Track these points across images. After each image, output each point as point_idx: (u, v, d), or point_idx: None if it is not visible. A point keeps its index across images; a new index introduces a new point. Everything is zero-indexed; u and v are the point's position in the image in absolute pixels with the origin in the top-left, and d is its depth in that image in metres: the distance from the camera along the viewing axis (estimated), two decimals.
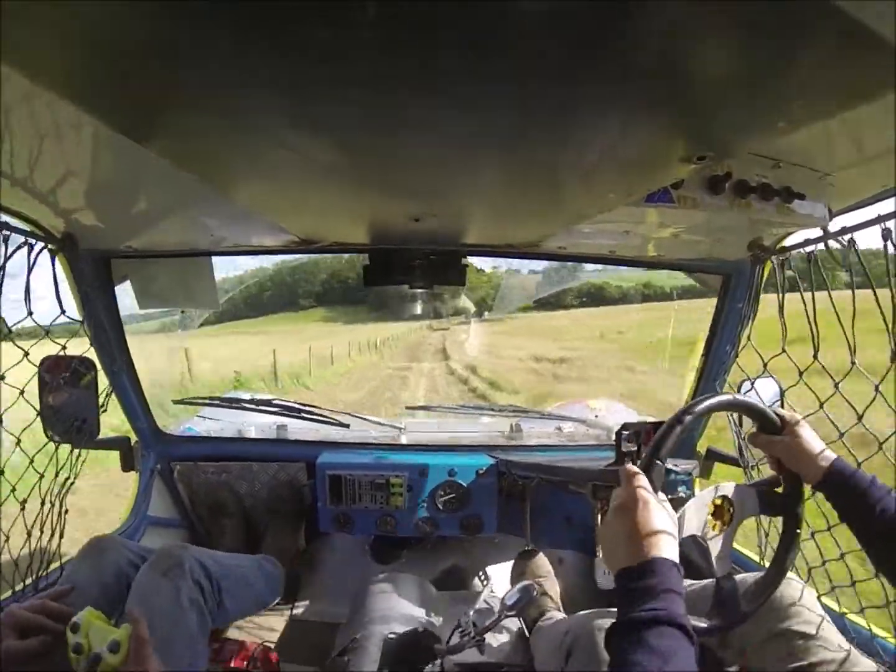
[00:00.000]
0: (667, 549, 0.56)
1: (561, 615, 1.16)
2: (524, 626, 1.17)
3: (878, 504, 0.71)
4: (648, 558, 0.55)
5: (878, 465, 0.79)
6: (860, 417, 0.81)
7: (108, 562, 0.95)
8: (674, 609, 0.51)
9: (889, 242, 0.74)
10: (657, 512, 0.59)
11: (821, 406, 0.87)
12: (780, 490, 0.81)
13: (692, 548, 0.73)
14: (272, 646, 1.15)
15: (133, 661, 0.66)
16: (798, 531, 0.79)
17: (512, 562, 1.41)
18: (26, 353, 0.93)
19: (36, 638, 0.70)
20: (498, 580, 1.49)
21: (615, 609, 0.76)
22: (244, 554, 1.26)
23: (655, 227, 0.93)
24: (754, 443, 0.82)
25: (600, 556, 1.26)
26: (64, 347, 1.05)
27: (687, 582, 1.00)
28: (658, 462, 0.66)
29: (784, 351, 0.96)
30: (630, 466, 0.65)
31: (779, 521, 0.87)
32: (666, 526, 0.59)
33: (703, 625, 0.72)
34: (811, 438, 0.77)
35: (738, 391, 1.12)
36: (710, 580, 0.94)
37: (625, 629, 0.52)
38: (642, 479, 0.63)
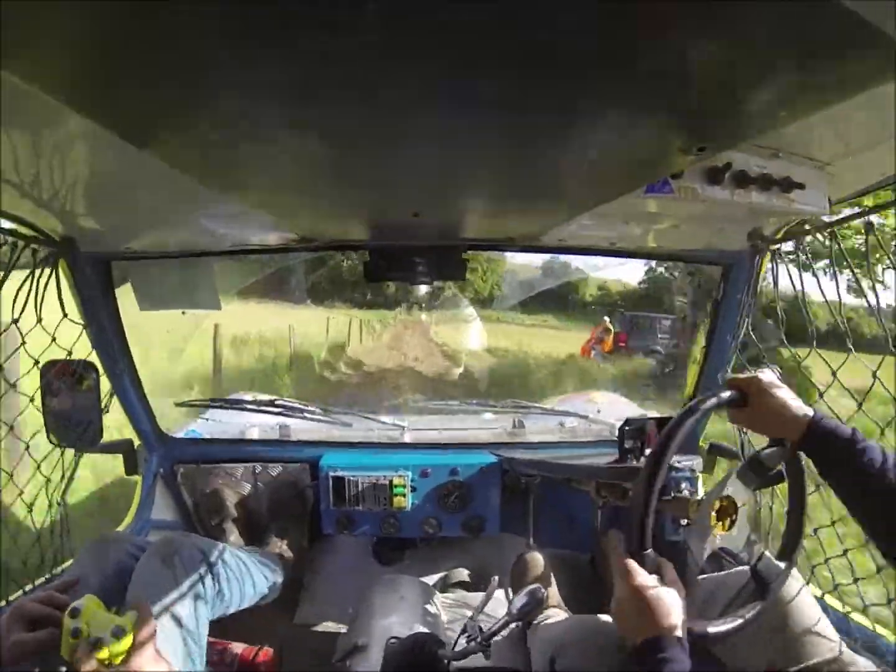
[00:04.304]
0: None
1: (560, 612, 1.15)
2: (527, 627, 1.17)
3: (863, 455, 0.64)
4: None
5: None
6: (860, 405, 0.81)
7: (111, 555, 0.94)
8: None
9: (871, 234, 0.74)
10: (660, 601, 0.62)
11: (820, 396, 0.88)
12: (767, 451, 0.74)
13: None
14: (273, 650, 1.15)
15: (138, 648, 0.65)
16: (804, 498, 0.76)
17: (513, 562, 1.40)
18: (37, 362, 0.93)
19: (45, 630, 0.69)
20: (502, 581, 1.48)
21: (598, 616, 0.80)
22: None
23: (656, 217, 0.93)
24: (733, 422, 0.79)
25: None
26: (70, 353, 1.05)
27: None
28: (648, 554, 0.66)
29: (784, 344, 0.97)
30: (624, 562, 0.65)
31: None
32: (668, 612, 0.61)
33: (738, 621, 0.70)
34: (778, 399, 0.69)
35: None
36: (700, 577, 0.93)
37: None
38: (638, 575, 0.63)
